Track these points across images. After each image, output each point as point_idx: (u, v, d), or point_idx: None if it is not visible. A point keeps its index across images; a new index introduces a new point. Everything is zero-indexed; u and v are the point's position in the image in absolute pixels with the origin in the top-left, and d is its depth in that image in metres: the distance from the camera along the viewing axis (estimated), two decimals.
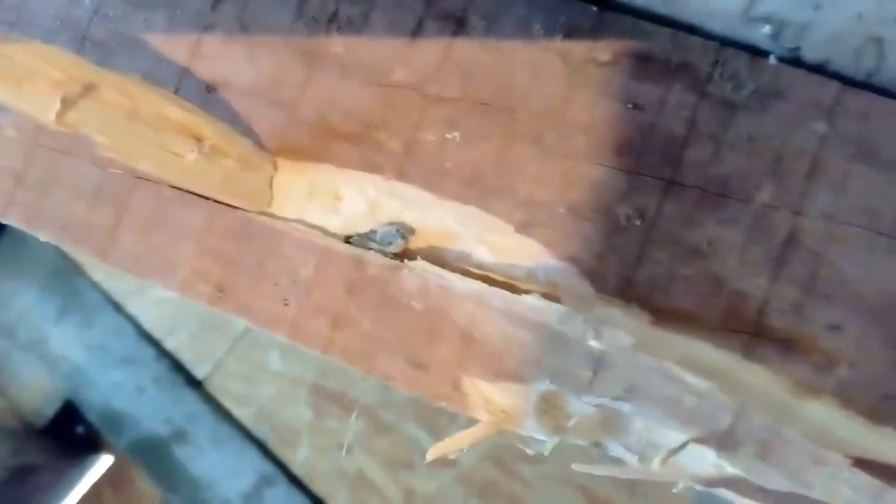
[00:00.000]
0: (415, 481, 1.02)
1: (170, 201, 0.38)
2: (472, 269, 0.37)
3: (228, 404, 1.08)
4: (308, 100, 0.38)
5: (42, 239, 0.38)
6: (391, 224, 0.36)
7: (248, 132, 0.38)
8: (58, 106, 0.35)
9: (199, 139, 0.37)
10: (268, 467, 1.05)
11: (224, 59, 0.39)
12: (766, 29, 0.34)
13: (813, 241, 0.34)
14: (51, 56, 0.36)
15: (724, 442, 0.33)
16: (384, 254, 0.36)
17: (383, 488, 1.02)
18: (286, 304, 0.37)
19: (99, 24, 0.40)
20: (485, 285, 0.35)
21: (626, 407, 0.34)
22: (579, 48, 0.37)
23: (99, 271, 1.12)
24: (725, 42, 0.36)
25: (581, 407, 0.35)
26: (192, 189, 0.37)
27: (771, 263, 0.35)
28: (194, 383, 1.09)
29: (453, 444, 0.35)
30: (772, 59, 0.34)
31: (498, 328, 0.35)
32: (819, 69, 0.35)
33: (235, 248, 0.37)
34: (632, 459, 0.35)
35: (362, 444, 1.03)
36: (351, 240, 0.37)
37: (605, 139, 0.36)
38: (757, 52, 0.35)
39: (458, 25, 0.38)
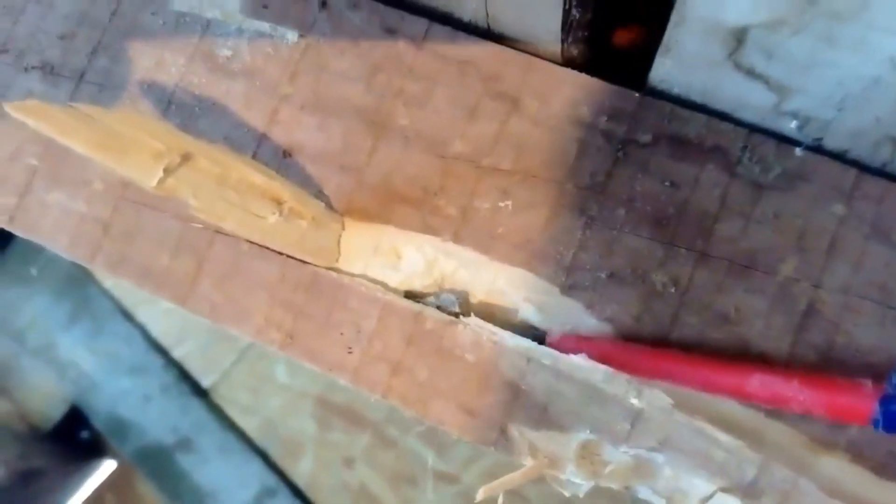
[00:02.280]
0: (417, 497, 1.04)
1: (246, 255, 0.42)
2: (519, 325, 0.40)
3: (234, 415, 1.10)
4: (374, 166, 0.42)
5: (127, 283, 0.42)
6: (451, 292, 0.40)
7: (318, 194, 0.42)
8: (160, 174, 0.39)
9: (279, 202, 0.40)
10: (271, 478, 1.07)
11: (299, 126, 0.43)
12: (794, 123, 0.38)
13: (830, 311, 0.38)
14: (149, 126, 0.40)
15: (748, 492, 0.36)
16: (441, 310, 0.40)
17: (385, 503, 1.04)
18: (350, 352, 0.41)
19: (183, 90, 0.44)
20: (535, 343, 0.38)
21: (659, 457, 0.37)
22: (622, 129, 0.41)
23: (110, 279, 1.15)
24: (754, 129, 0.40)
25: (617, 455, 0.38)
26: (270, 247, 0.41)
27: (792, 330, 0.38)
28: (201, 393, 1.11)
29: (502, 485, 0.39)
30: (798, 151, 0.38)
31: (543, 381, 0.39)
32: (839, 157, 0.39)
33: (305, 299, 0.41)
34: (660, 502, 0.39)
35: (366, 458, 1.05)
36: (415, 297, 0.41)
37: (643, 212, 0.40)
38: (783, 139, 0.39)
39: (512, 104, 0.42)
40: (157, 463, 1.11)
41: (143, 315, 1.14)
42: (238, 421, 1.10)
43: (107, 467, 1.12)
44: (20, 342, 1.17)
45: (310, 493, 1.07)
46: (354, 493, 1.06)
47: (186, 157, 0.39)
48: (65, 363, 1.15)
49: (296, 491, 1.07)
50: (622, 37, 0.43)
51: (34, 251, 1.18)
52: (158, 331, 1.14)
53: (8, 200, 0.44)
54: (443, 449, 1.04)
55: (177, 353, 1.13)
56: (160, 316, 1.14)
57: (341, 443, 1.06)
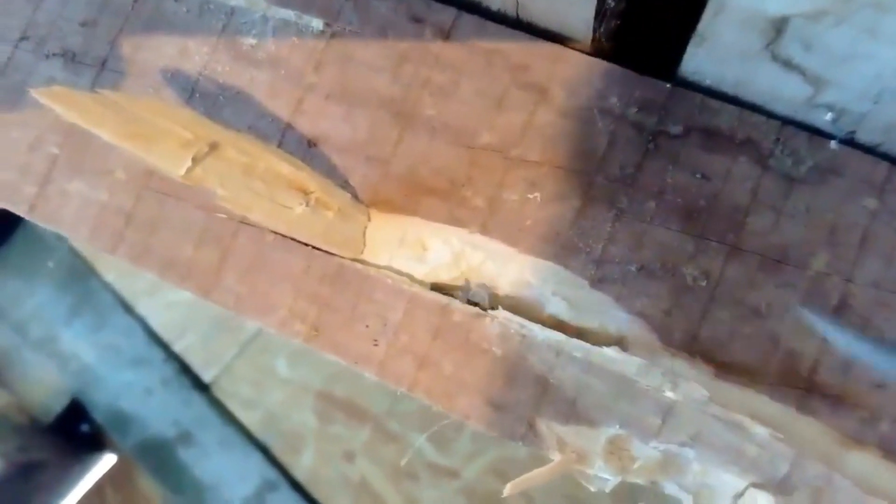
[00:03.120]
0: (418, 492, 1.04)
1: (271, 246, 0.41)
2: (547, 319, 0.40)
3: (235, 408, 1.10)
4: (400, 157, 0.42)
5: (148, 275, 0.42)
6: (480, 286, 0.39)
7: (344, 185, 0.42)
8: (189, 163, 0.38)
9: (305, 193, 0.40)
10: (271, 472, 1.07)
11: (324, 116, 0.42)
12: (828, 115, 0.37)
13: (861, 306, 0.38)
14: (176, 115, 0.39)
15: (781, 488, 0.36)
16: (471, 303, 0.40)
17: (386, 497, 1.04)
18: (375, 345, 0.40)
19: (207, 79, 0.43)
20: (565, 336, 0.38)
21: (690, 452, 0.37)
22: (652, 120, 0.40)
23: (111, 272, 1.14)
24: (786, 121, 0.39)
25: (646, 450, 0.38)
26: (296, 238, 0.40)
27: (824, 325, 0.38)
28: (202, 386, 1.11)
29: (529, 481, 0.38)
30: (833, 145, 0.38)
31: (572, 375, 0.39)
32: (871, 150, 0.39)
33: (330, 291, 0.41)
34: (687, 498, 0.38)
35: (367, 453, 1.05)
36: (442, 290, 0.40)
37: (674, 205, 0.40)
38: (816, 132, 0.39)
39: (540, 95, 0.41)
40: (157, 456, 1.11)
41: (145, 308, 1.14)
42: (239, 414, 1.10)
43: (107, 460, 1.11)
44: (22, 334, 1.17)
45: (310, 487, 1.07)
46: (355, 487, 1.05)
47: (214, 147, 0.39)
48: (66, 356, 1.15)
49: (296, 485, 1.07)
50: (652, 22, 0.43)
51: (37, 244, 1.17)
52: (160, 324, 1.14)
53: (28, 189, 0.44)
54: (445, 443, 1.04)
55: (178, 347, 1.13)
56: (162, 309, 1.14)
57: (342, 437, 1.06)
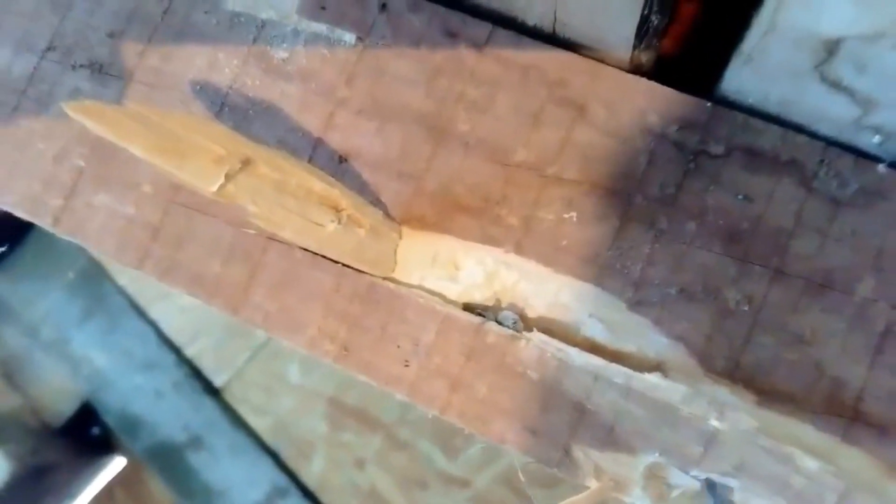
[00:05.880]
0: (427, 500, 1.03)
1: (300, 263, 0.40)
2: (583, 342, 0.39)
3: (246, 414, 1.09)
4: (433, 173, 0.41)
5: (176, 291, 0.41)
6: (511, 308, 0.39)
7: (376, 202, 0.41)
8: (221, 180, 0.37)
9: (337, 210, 0.39)
10: (281, 479, 1.06)
11: (355, 131, 0.41)
12: (876, 138, 0.36)
13: None
14: (208, 130, 0.38)
15: None
16: (497, 323, 0.39)
17: None
18: (407, 366, 0.39)
19: (237, 92, 0.42)
20: (604, 361, 0.37)
21: (733, 482, 0.36)
22: (693, 139, 0.39)
23: (124, 276, 1.14)
24: (831, 143, 0.38)
25: (685, 480, 0.37)
26: (327, 255, 0.40)
27: (869, 352, 0.37)
28: (213, 391, 1.10)
29: None
30: (881, 168, 0.37)
31: (611, 401, 0.38)
32: None
33: (361, 310, 0.40)
34: None
35: (377, 461, 1.04)
36: (473, 310, 0.39)
37: (716, 227, 0.39)
38: (862, 155, 0.38)
39: (578, 112, 0.40)
40: (167, 460, 1.10)
41: (157, 312, 1.14)
42: (250, 420, 1.09)
43: (117, 464, 1.11)
44: (34, 337, 1.17)
45: (320, 494, 1.06)
46: (365, 495, 1.05)
47: (246, 163, 0.38)
48: (78, 359, 1.14)
49: (306, 492, 1.06)
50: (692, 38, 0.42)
51: (50, 247, 1.17)
52: (172, 328, 1.13)
53: (54, 201, 0.43)
54: (455, 452, 1.03)
55: (190, 351, 1.12)
56: (174, 313, 1.14)
57: (353, 444, 1.06)
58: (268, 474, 1.07)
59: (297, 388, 1.08)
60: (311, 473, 1.06)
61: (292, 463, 1.07)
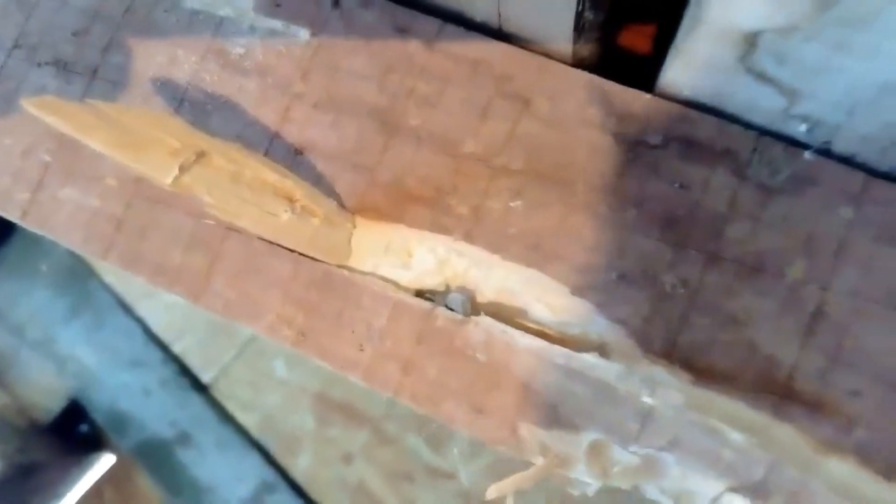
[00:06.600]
0: (415, 494, 1.05)
1: (259, 252, 0.42)
2: (529, 325, 0.41)
3: (233, 410, 1.10)
4: (386, 165, 0.42)
5: (139, 280, 0.42)
6: (461, 291, 0.40)
7: (330, 192, 0.42)
8: (176, 172, 0.39)
9: (291, 200, 0.41)
10: (269, 474, 1.07)
11: (311, 124, 0.43)
12: (803, 127, 0.38)
13: (839, 314, 0.38)
14: (165, 124, 0.40)
15: (757, 492, 0.37)
16: (447, 308, 0.40)
17: (383, 499, 1.05)
18: (361, 350, 0.41)
19: (196, 87, 0.44)
20: (547, 343, 0.39)
21: (668, 457, 0.38)
22: (632, 131, 0.41)
23: (110, 273, 1.15)
24: (763, 132, 0.40)
25: (626, 455, 0.39)
26: (282, 244, 0.41)
27: (800, 333, 0.39)
28: (200, 388, 1.11)
29: (511, 484, 0.39)
30: (807, 155, 0.39)
31: (555, 381, 0.39)
32: (847, 160, 0.39)
33: (317, 297, 0.41)
34: (668, 502, 0.39)
35: (364, 455, 1.05)
36: (424, 295, 0.41)
37: (654, 214, 0.40)
38: (792, 143, 0.40)
39: (524, 105, 0.42)
40: (156, 457, 1.11)
41: (143, 310, 1.15)
42: (237, 416, 1.10)
43: (106, 461, 1.12)
44: (20, 336, 1.18)
45: (308, 489, 1.07)
46: (353, 490, 1.06)
47: (201, 155, 0.39)
48: (64, 357, 1.15)
49: (294, 486, 1.07)
50: (633, 35, 0.43)
51: (35, 245, 1.18)
52: (158, 325, 1.14)
53: (21, 195, 0.44)
54: (442, 446, 1.05)
55: (177, 348, 1.13)
56: (160, 310, 1.15)
57: (340, 439, 1.07)
58: (256, 470, 1.08)
59: (284, 383, 1.09)
60: (298, 468, 1.08)
61: (280, 458, 1.08)
